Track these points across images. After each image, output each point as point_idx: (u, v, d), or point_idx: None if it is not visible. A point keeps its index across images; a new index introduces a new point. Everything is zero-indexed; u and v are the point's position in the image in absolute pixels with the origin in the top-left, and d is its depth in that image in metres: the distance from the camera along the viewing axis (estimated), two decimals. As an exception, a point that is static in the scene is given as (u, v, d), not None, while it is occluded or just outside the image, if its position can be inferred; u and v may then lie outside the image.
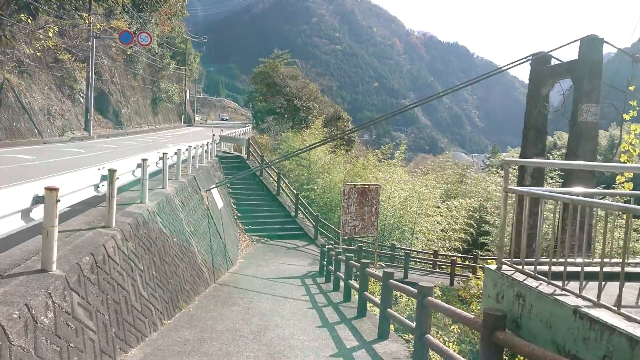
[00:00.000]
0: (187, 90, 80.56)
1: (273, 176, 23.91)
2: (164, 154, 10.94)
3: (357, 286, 9.40)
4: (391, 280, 7.39)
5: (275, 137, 49.23)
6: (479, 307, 12.58)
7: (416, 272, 18.84)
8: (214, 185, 16.43)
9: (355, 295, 9.96)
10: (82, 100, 37.34)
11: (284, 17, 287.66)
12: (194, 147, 17.21)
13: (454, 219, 23.28)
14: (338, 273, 11.48)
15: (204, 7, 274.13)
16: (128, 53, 50.49)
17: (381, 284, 7.81)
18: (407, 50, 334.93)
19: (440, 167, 27.01)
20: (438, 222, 22.80)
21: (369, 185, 16.62)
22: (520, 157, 21.42)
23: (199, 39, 78.88)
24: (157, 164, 11.47)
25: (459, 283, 14.92)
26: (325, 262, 13.99)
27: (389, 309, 7.32)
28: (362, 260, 9.94)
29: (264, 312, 8.53)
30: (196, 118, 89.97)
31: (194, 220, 11.81)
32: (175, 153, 13.10)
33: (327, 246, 15.10)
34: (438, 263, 19.82)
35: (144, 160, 8.85)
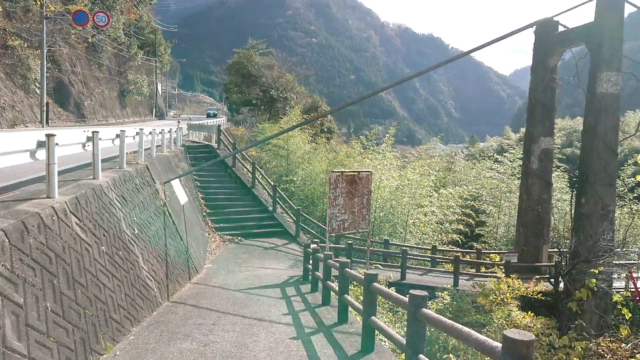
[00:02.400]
0: (159, 84, 77.11)
1: (247, 167, 21.21)
2: (93, 132, 8.21)
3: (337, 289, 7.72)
4: (375, 284, 6.17)
5: (251, 129, 46.80)
6: (502, 318, 10.17)
7: (414, 272, 16.40)
8: (175, 177, 13.70)
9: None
10: (38, 91, 34.04)
11: (259, 11, 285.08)
12: (150, 132, 14.44)
13: (450, 209, 20.94)
14: (329, 283, 8.92)
15: (177, 1, 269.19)
16: (90, 41, 47.02)
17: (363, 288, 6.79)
18: (382, 43, 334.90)
19: (427, 154, 24.62)
20: (433, 213, 20.40)
21: (358, 172, 14.07)
22: (526, 138, 19.12)
23: (169, 28, 75.35)
24: (85, 146, 8.74)
25: (473, 287, 12.54)
26: (310, 266, 11.42)
27: (372, 317, 6.19)
28: (339, 260, 7.57)
29: (227, 352, 5.90)
30: (170, 113, 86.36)
31: (140, 220, 9.12)
32: (118, 135, 10.36)
33: (311, 246, 12.53)
34: (437, 260, 17.42)
35: (49, 136, 6.14)
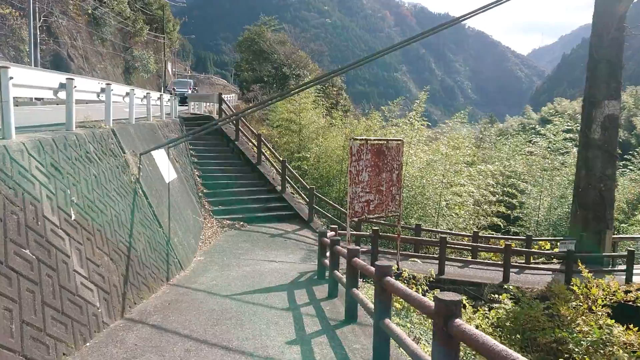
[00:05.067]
0: (169, 63, 74.40)
1: (253, 140, 18.38)
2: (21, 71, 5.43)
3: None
4: (388, 279, 4.51)
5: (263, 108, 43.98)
6: (595, 334, 7.26)
7: (452, 263, 13.46)
8: (156, 147, 10.90)
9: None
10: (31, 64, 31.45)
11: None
12: (126, 93, 11.63)
13: (490, 188, 17.92)
14: (355, 292, 6.08)
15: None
16: (90, 12, 44.24)
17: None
18: (397, 23, 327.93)
19: (453, 128, 21.58)
20: (470, 193, 17.38)
21: (387, 140, 11.17)
22: (585, 101, 15.87)
23: (177, 3, 72.19)
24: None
25: (545, 288, 9.63)
26: (327, 261, 8.62)
27: (386, 320, 4.60)
28: (347, 247, 4.87)
29: None
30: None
31: (85, 201, 6.35)
32: (65, 81, 7.56)
33: (328, 234, 9.70)
34: (480, 249, 14.48)
35: None
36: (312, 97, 26.19)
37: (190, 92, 21.86)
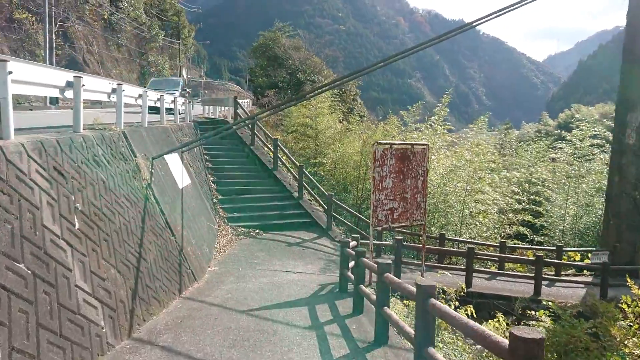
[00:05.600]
0: (184, 69, 74.53)
1: (269, 145, 17.85)
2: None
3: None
4: (434, 302, 3.77)
5: (277, 113, 43.80)
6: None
7: (477, 276, 12.71)
8: (170, 150, 10.39)
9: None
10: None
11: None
12: (139, 95, 11.17)
13: (516, 196, 17.14)
14: (387, 312, 5.46)
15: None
16: (106, 18, 44.29)
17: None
18: (412, 29, 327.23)
19: (478, 133, 20.77)
20: (495, 201, 16.62)
21: (412, 145, 10.54)
22: (618, 105, 15.04)
23: (192, 9, 72.42)
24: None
25: (580, 303, 8.89)
26: (351, 275, 8.00)
27: (430, 349, 3.92)
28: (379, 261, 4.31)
29: None
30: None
31: (91, 208, 5.83)
32: (73, 79, 7.09)
33: (351, 243, 9.09)
34: (507, 260, 13.70)
35: None
36: (328, 102, 25.66)
37: (178, 95, 18.42)
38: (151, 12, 56.23)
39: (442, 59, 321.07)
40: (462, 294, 9.07)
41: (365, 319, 6.95)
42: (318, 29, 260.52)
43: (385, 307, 5.55)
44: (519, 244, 16.66)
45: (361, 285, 7.13)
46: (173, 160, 11.13)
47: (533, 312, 8.63)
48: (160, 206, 8.70)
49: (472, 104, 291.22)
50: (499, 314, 8.53)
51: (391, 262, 5.98)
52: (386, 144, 9.97)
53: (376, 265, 5.67)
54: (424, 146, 10.72)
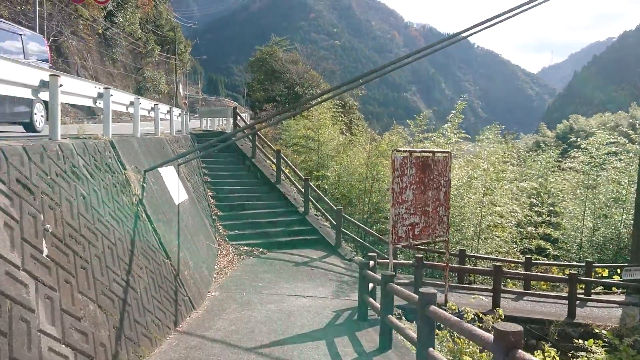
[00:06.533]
0: (180, 84, 73.85)
1: (271, 157, 16.82)
2: None
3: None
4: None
5: (275, 126, 43.13)
6: None
7: (503, 296, 11.60)
8: (164, 162, 9.34)
9: None
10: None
11: (281, 14, 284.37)
12: (130, 102, 10.14)
13: (536, 208, 16.10)
14: (436, 356, 4.37)
15: (200, 7, 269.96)
16: (101, 32, 43.53)
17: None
18: (406, 43, 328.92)
19: (487, 139, 19.78)
20: (513, 213, 15.56)
21: (433, 152, 9.53)
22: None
23: (188, 24, 71.91)
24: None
25: (620, 326, 7.81)
26: (372, 300, 6.91)
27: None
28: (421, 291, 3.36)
29: None
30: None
31: (68, 231, 4.76)
32: (48, 79, 6.07)
33: (370, 263, 8.00)
34: (535, 279, 12.59)
35: None
36: (330, 113, 24.73)
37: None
38: (147, 28, 55.61)
39: (437, 72, 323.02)
40: (500, 319, 7.95)
41: (395, 357, 5.86)
42: (314, 44, 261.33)
43: (431, 349, 4.46)
44: (538, 259, 15.58)
45: (390, 316, 6.04)
46: (168, 174, 10.08)
47: (581, 341, 7.52)
48: (153, 225, 7.63)
49: (468, 116, 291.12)
50: (546, 346, 7.40)
51: (435, 292, 4.88)
52: (405, 151, 8.95)
53: (416, 297, 4.59)
54: (446, 154, 9.70)
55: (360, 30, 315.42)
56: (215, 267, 10.71)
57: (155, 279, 6.79)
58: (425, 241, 9.45)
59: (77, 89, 7.25)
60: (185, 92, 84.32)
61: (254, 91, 61.16)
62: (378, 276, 6.78)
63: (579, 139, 23.70)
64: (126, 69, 51.24)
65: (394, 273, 6.43)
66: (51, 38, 34.29)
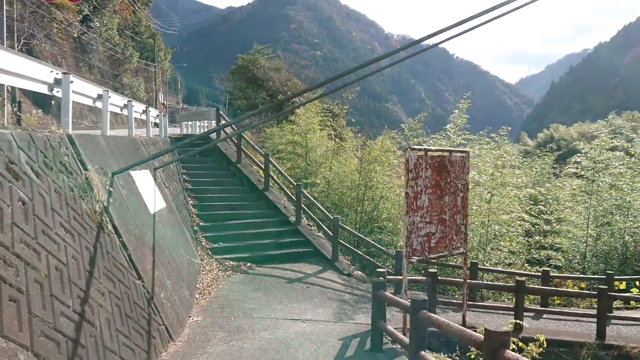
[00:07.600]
0: (161, 93, 72.13)
1: (259, 163, 15.45)
2: None
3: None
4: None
5: (258, 134, 41.88)
6: None
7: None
8: (134, 164, 7.93)
9: None
10: (9, 88, 28.63)
11: (262, 25, 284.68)
12: (100, 93, 8.73)
13: (544, 216, 15.02)
14: None
15: (181, 18, 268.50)
16: (76, 36, 41.78)
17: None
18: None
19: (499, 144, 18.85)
20: (521, 223, 14.42)
21: (449, 151, 8.30)
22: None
23: (168, 31, 70.34)
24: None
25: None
26: (391, 328, 5.59)
27: None
28: None
29: None
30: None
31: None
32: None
33: (388, 280, 6.69)
34: (557, 294, 11.38)
35: None
36: (319, 117, 23.53)
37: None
38: (125, 34, 54.03)
39: (417, 83, 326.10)
40: (541, 349, 6.66)
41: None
42: (295, 54, 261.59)
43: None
44: (557, 273, 14.46)
45: (423, 352, 4.72)
46: (143, 178, 8.67)
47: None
48: (121, 238, 6.22)
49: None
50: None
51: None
52: (421, 149, 7.70)
53: (479, 338, 3.29)
54: (464, 153, 8.48)
55: (341, 41, 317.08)
56: (198, 285, 9.27)
57: (122, 307, 5.37)
58: (442, 254, 8.18)
59: (28, 72, 5.86)
60: (165, 102, 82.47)
61: (236, 99, 60.02)
62: (406, 302, 5.46)
63: (563, 148, 22.93)
64: (103, 76, 49.45)
65: (425, 299, 5.14)
66: (22, 40, 32.57)
